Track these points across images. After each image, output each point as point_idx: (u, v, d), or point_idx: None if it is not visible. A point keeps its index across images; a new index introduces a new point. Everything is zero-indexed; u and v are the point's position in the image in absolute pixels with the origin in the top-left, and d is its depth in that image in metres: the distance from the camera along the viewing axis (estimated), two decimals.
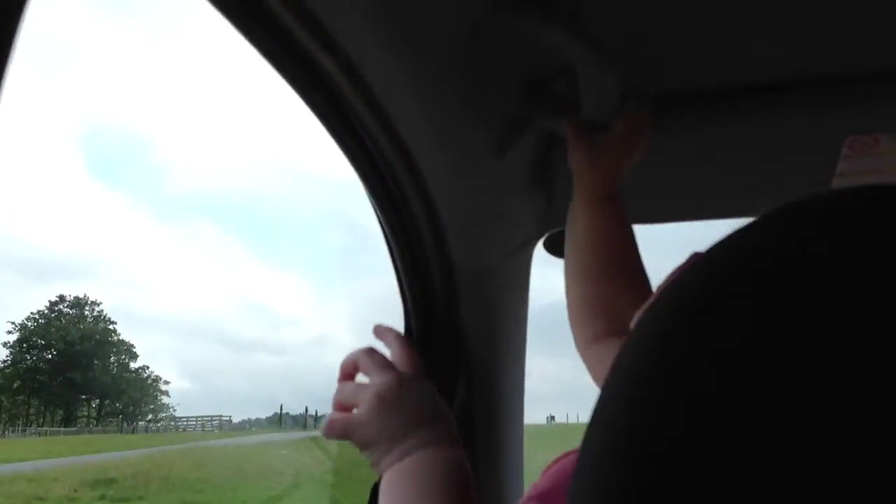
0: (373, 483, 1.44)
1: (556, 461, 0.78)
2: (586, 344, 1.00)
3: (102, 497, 11.20)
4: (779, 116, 1.01)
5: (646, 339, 0.41)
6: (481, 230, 1.12)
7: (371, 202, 1.11)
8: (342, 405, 0.92)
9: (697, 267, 0.40)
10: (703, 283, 0.40)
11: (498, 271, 1.34)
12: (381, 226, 1.20)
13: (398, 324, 1.44)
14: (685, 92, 1.03)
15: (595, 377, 0.97)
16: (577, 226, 1.03)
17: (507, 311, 1.44)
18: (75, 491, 11.58)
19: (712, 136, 1.06)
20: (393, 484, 0.84)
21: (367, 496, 1.47)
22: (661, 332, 0.40)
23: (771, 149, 1.07)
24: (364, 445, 0.87)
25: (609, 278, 0.99)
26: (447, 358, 1.40)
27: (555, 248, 1.35)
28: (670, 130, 1.06)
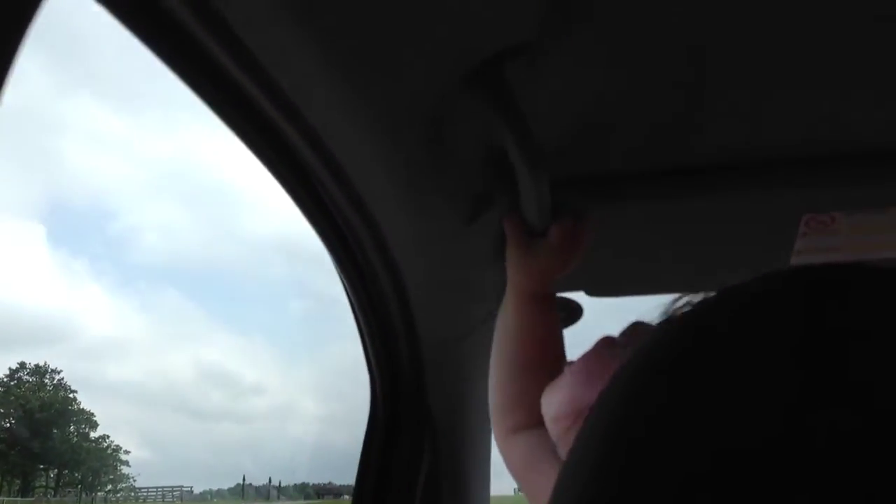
0: None
1: None
2: (506, 434, 1.02)
3: None
4: (736, 196, 1.04)
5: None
6: (448, 302, 1.14)
7: (338, 273, 1.12)
8: None
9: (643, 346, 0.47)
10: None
11: (464, 342, 1.35)
12: (348, 296, 1.21)
13: (364, 391, 1.44)
14: (642, 172, 1.05)
15: (511, 467, 0.98)
16: (506, 319, 1.04)
17: (473, 380, 1.44)
18: None
19: (671, 213, 1.09)
20: None
21: None
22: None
23: (728, 227, 1.10)
24: None
25: (532, 373, 0.99)
26: (413, 427, 1.40)
27: None
28: (626, 208, 1.08)
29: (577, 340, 1.04)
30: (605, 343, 0.87)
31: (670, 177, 1.04)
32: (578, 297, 1.33)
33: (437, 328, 1.27)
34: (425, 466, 1.42)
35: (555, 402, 0.88)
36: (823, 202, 1.04)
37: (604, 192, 1.06)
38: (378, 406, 1.40)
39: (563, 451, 0.89)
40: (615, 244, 1.15)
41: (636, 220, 1.11)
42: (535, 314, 1.02)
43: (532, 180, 0.90)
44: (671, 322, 0.49)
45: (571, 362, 0.84)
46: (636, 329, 0.85)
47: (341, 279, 1.13)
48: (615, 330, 0.91)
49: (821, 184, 1.02)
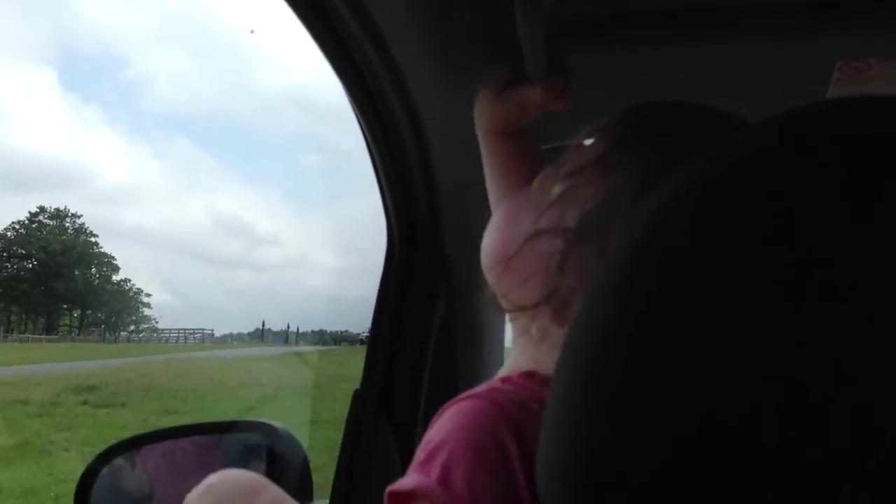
0: (353, 392, 1.47)
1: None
2: None
3: (85, 402, 11.30)
4: (764, 41, 1.00)
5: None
6: (466, 145, 1.13)
7: (357, 117, 1.11)
8: None
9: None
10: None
11: (482, 188, 1.34)
12: (367, 141, 1.20)
13: (378, 242, 1.45)
14: (653, 12, 1.00)
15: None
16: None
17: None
18: (58, 396, 11.67)
19: (690, 59, 1.05)
20: None
21: (345, 409, 1.49)
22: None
23: (762, 72, 1.06)
24: None
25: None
26: (429, 273, 1.42)
27: None
28: (661, 50, 1.04)
29: None
30: (543, 177, 0.86)
31: (691, 18, 1.00)
32: None
33: (454, 172, 1.26)
34: (440, 312, 1.44)
35: (485, 248, 0.89)
36: (858, 47, 1.00)
37: (611, 35, 1.01)
38: (394, 253, 1.41)
39: (502, 297, 0.89)
40: (619, 93, 1.10)
41: (650, 67, 1.07)
42: (500, 153, 1.02)
43: (527, 24, 0.86)
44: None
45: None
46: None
47: (359, 121, 1.12)
48: None
49: (856, 27, 0.97)
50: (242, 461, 1.46)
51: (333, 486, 1.44)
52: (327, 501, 1.45)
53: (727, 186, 0.44)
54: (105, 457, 1.40)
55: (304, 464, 1.40)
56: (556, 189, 0.82)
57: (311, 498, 1.43)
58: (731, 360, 0.42)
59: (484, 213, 1.40)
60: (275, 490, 0.93)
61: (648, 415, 0.44)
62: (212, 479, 0.92)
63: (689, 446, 0.42)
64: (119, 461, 1.43)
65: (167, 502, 1.46)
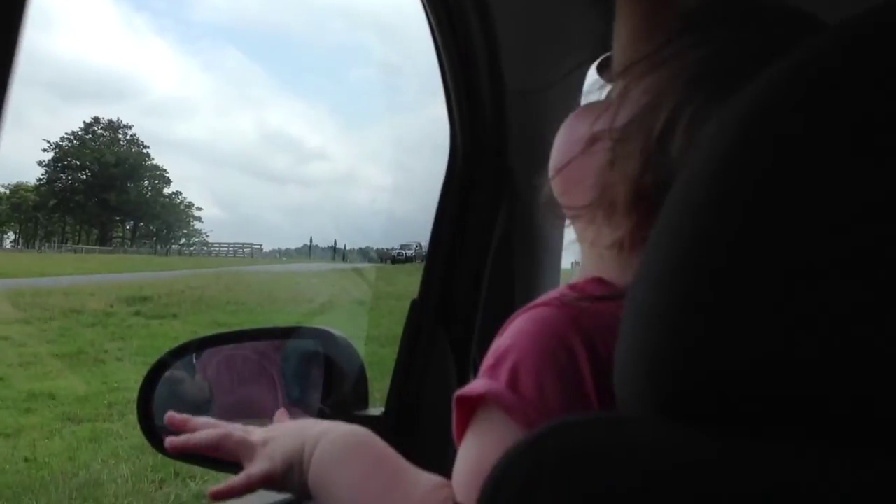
0: (411, 301, 1.47)
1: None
2: None
3: (137, 313, 11.54)
4: None
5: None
6: (536, 50, 1.09)
7: (427, 16, 1.08)
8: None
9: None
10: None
11: (549, 94, 1.31)
12: (435, 44, 1.17)
13: (427, 162, 1.43)
14: None
15: None
16: None
17: (554, 137, 1.41)
18: (111, 306, 11.93)
19: None
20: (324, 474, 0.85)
21: (391, 326, 1.50)
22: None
23: None
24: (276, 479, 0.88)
25: None
26: (491, 187, 1.40)
27: (607, 73, 1.32)
28: None
29: None
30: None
31: None
32: None
33: (523, 78, 1.23)
34: (501, 225, 1.43)
35: (551, 157, 0.93)
36: None
37: None
38: (456, 164, 1.39)
39: (560, 202, 0.89)
40: None
41: None
42: None
43: None
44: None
45: None
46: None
47: (429, 21, 1.09)
48: None
49: None
50: (301, 367, 1.48)
51: (389, 393, 1.45)
52: (382, 409, 1.46)
53: (843, 69, 0.42)
54: (166, 360, 1.42)
55: (361, 371, 1.42)
56: (611, 91, 0.83)
57: (366, 405, 1.45)
58: (835, 258, 0.40)
59: (550, 124, 1.37)
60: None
61: (746, 313, 0.42)
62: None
63: (782, 347, 0.41)
64: (180, 365, 1.45)
65: (226, 406, 1.48)
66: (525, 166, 1.38)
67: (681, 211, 0.47)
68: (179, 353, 1.44)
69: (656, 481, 0.43)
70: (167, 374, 1.41)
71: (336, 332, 1.44)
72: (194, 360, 1.50)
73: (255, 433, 0.90)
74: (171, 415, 0.92)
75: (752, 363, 0.42)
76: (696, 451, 0.44)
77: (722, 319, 0.43)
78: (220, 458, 0.89)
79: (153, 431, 1.37)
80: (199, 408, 1.51)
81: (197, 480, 5.28)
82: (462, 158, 1.36)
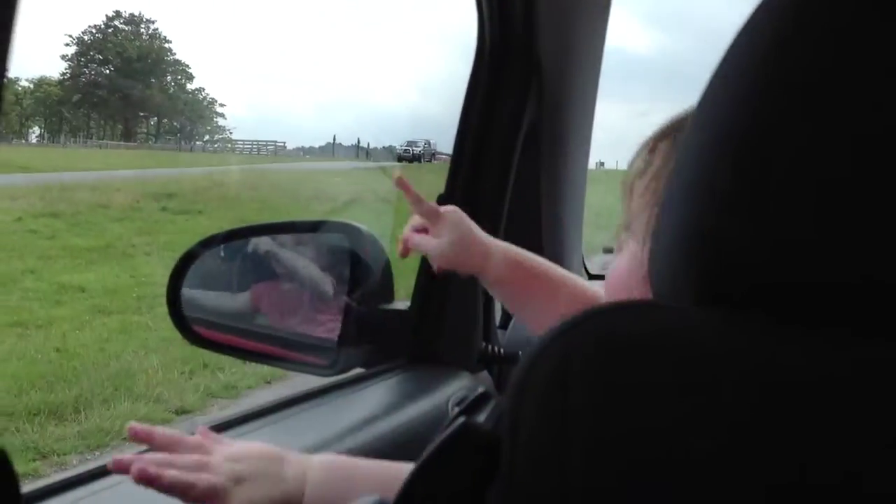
0: (437, 196, 1.47)
1: None
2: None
3: (164, 209, 11.64)
4: None
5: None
6: None
7: None
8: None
9: None
10: None
11: None
12: None
13: (454, 61, 1.41)
14: None
15: None
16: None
17: (584, 32, 1.39)
18: (137, 201, 12.03)
19: None
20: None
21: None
22: None
23: None
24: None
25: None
26: (519, 77, 1.37)
27: None
28: None
29: None
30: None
31: None
32: None
33: None
34: (528, 119, 1.41)
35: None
36: None
37: None
38: (484, 54, 1.37)
39: None
40: None
41: None
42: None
43: None
44: None
45: None
46: None
47: None
48: None
49: None
50: (327, 260, 1.49)
51: (415, 287, 1.47)
52: (407, 303, 1.48)
53: None
54: (196, 251, 1.44)
55: (387, 266, 1.43)
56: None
57: (392, 298, 1.47)
58: (858, 135, 0.40)
59: (579, 18, 1.35)
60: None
61: (780, 203, 0.42)
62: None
63: (815, 236, 0.41)
64: (209, 255, 1.47)
65: (254, 299, 1.51)
66: (553, 61, 1.35)
67: (711, 106, 0.46)
68: (208, 243, 1.46)
69: (694, 366, 0.43)
70: (196, 263, 1.43)
71: (362, 226, 1.45)
72: (221, 253, 1.52)
73: (217, 466, 0.84)
74: (133, 425, 0.87)
75: (788, 253, 0.42)
76: (736, 337, 0.44)
77: (754, 210, 0.42)
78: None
79: (182, 321, 1.41)
80: (226, 299, 1.54)
81: (226, 372, 5.41)
82: (490, 53, 1.33)
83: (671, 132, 0.88)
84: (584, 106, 1.48)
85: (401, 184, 1.14)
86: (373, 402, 1.26)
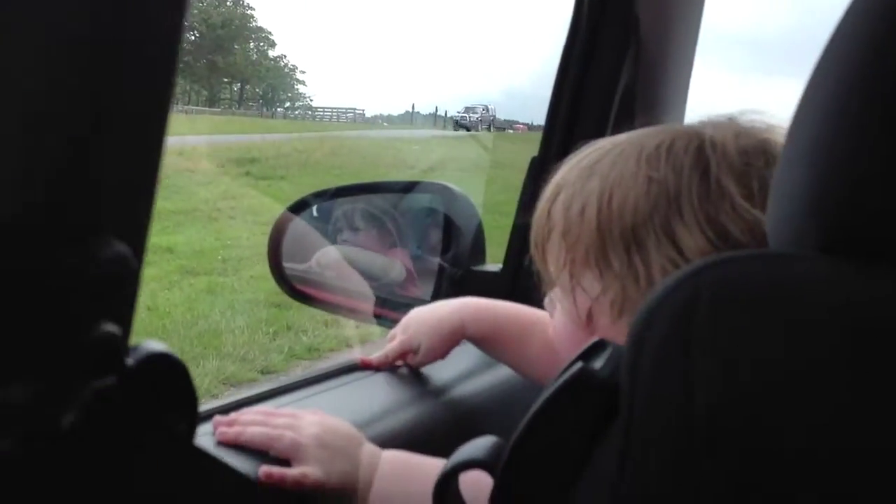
0: (531, 159, 1.47)
1: None
2: None
3: (247, 174, 11.83)
4: None
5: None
6: None
7: None
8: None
9: None
10: None
11: None
12: None
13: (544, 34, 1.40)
14: None
15: None
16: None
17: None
18: (222, 166, 12.25)
19: None
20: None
21: (494, 195, 1.50)
22: None
23: None
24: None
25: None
26: (616, 38, 1.36)
27: None
28: None
29: None
30: None
31: None
32: None
33: None
34: (624, 81, 1.40)
35: None
36: None
37: None
38: (581, 12, 1.36)
39: None
40: None
41: None
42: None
43: None
44: None
45: None
46: None
47: None
48: None
49: None
50: (420, 221, 1.51)
51: (508, 250, 1.48)
52: (499, 266, 1.49)
53: None
54: (293, 210, 1.47)
55: (479, 227, 1.44)
56: None
57: (484, 260, 1.48)
58: None
59: None
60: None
61: None
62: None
63: None
64: (305, 214, 1.51)
65: (346, 258, 1.54)
66: (653, 16, 1.34)
67: (850, 36, 0.45)
68: (306, 203, 1.49)
69: (819, 314, 0.43)
70: (293, 221, 1.47)
71: (455, 187, 1.46)
72: (314, 213, 1.55)
73: (305, 429, 0.91)
74: (218, 419, 0.93)
75: None
76: (863, 286, 0.43)
77: (893, 151, 0.41)
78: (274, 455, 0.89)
79: (283, 276, 1.45)
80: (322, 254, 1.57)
81: (308, 334, 5.50)
82: (588, 6, 1.33)
83: (555, 195, 0.93)
84: (680, 71, 1.46)
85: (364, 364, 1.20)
86: (465, 361, 1.27)
